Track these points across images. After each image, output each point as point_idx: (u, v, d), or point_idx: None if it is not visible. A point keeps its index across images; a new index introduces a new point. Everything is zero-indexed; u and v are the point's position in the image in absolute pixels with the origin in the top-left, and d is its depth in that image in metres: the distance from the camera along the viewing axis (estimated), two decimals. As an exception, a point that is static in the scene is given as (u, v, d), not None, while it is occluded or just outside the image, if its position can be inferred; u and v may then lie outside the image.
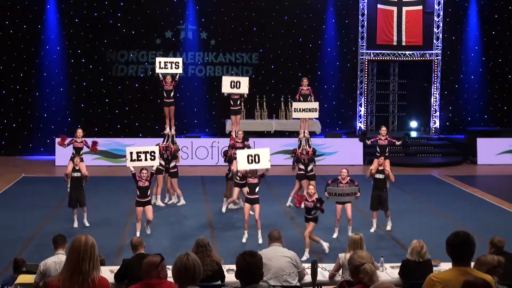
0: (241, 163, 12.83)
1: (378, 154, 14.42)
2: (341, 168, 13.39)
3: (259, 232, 12.69)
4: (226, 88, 16.04)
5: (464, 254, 5.05)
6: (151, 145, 17.12)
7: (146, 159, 12.89)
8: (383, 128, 15.21)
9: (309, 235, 11.87)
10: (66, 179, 14.00)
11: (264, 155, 12.74)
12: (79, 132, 14.68)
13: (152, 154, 12.90)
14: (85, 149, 14.80)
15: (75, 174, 13.79)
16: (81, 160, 14.14)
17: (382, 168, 13.50)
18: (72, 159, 14.03)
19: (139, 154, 12.86)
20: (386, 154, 14.43)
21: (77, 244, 4.75)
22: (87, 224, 13.75)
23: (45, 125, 23.09)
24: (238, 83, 15.92)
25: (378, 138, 15.00)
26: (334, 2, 24.19)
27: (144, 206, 12.84)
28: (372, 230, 13.39)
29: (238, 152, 13.14)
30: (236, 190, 14.85)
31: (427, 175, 20.55)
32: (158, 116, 21.73)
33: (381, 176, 13.49)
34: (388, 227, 13.58)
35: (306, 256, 11.49)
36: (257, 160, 12.70)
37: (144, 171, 12.79)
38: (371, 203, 13.57)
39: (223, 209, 14.88)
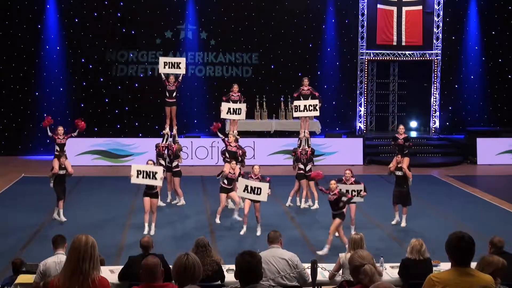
0: (239, 190, 13.23)
1: (397, 152, 14.55)
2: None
3: (258, 225, 12.99)
4: (224, 114, 16.42)
5: (466, 256, 5.06)
6: (151, 144, 17.28)
7: (150, 178, 13.08)
8: (401, 127, 15.33)
9: (333, 231, 11.96)
10: (52, 177, 14.12)
11: (264, 189, 12.95)
12: (60, 130, 14.82)
13: (155, 174, 13.08)
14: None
15: (61, 172, 14.05)
16: (66, 158, 14.30)
17: (400, 165, 13.93)
18: (58, 157, 14.19)
19: (144, 172, 13.09)
20: (405, 152, 14.55)
21: (77, 244, 4.74)
22: (64, 219, 14.01)
23: (45, 125, 23.06)
24: (239, 110, 16.22)
25: (398, 136, 15.11)
26: (334, 2, 24.20)
27: (151, 197, 13.25)
28: (393, 222, 13.91)
29: (240, 179, 13.30)
30: (222, 196, 14.40)
31: (427, 175, 20.53)
32: (158, 116, 21.75)
33: (400, 173, 13.96)
34: (403, 224, 13.90)
35: (324, 252, 11.73)
36: (258, 192, 12.97)
37: (150, 162, 13.40)
38: (392, 198, 14.07)
39: (217, 220, 14.14)
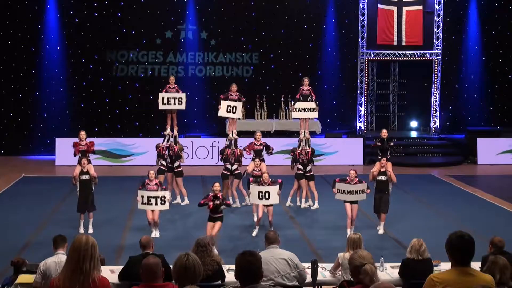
0: (253, 197, 13.12)
1: (380, 157, 14.37)
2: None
3: (271, 228, 12.72)
4: (222, 112, 16.21)
5: (466, 256, 5.08)
6: (151, 144, 17.25)
7: (156, 204, 12.77)
8: (384, 131, 15.27)
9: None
10: (75, 183, 13.49)
11: (273, 191, 12.92)
12: (82, 134, 14.53)
13: (163, 198, 12.78)
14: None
15: (84, 177, 13.33)
16: (89, 162, 13.87)
17: (384, 170, 13.44)
18: (79, 162, 13.61)
19: (150, 199, 12.74)
20: (388, 157, 14.43)
21: (78, 244, 4.77)
22: (91, 231, 13.26)
23: (45, 125, 23.08)
24: (234, 108, 16.10)
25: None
26: (334, 2, 24.18)
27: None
28: (380, 231, 13.39)
29: (252, 186, 13.24)
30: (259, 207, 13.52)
31: (427, 175, 20.53)
32: (158, 116, 21.69)
33: (383, 178, 13.40)
34: (381, 231, 13.37)
35: None
36: (267, 197, 12.89)
37: (152, 172, 13.10)
38: (374, 206, 13.50)
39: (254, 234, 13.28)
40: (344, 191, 12.79)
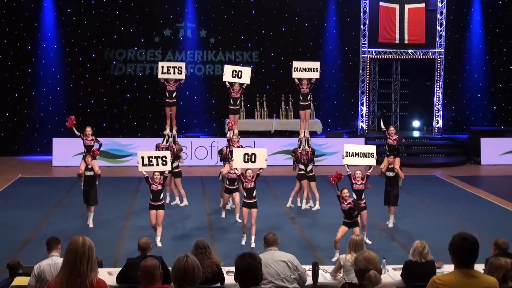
0: (237, 162, 12.59)
1: (388, 153, 14.48)
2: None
3: (252, 238, 12.42)
4: (227, 77, 15.73)
5: (470, 258, 4.99)
6: (150, 144, 17.09)
7: (158, 164, 12.53)
8: (392, 128, 15.25)
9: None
10: (80, 179, 13.87)
11: (260, 155, 12.44)
12: (88, 130, 14.49)
13: (164, 159, 12.57)
14: (80, 149, 14.63)
15: (88, 173, 13.65)
16: (93, 158, 13.91)
17: (392, 166, 13.79)
18: (84, 158, 13.88)
19: (151, 159, 12.52)
20: (395, 153, 14.48)
21: (75, 246, 4.75)
22: (91, 225, 13.59)
23: (42, 125, 22.92)
24: (240, 73, 15.68)
25: (389, 137, 14.98)
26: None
27: (157, 209, 12.54)
28: (390, 224, 13.77)
29: (235, 150, 12.95)
30: (225, 196, 14.51)
31: (430, 175, 20.38)
32: (157, 115, 21.56)
33: (391, 174, 13.79)
34: (390, 224, 13.77)
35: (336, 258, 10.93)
36: (253, 160, 12.43)
37: (157, 174, 12.51)
38: (384, 199, 13.91)
39: (223, 215, 14.60)
40: (352, 153, 12.47)
